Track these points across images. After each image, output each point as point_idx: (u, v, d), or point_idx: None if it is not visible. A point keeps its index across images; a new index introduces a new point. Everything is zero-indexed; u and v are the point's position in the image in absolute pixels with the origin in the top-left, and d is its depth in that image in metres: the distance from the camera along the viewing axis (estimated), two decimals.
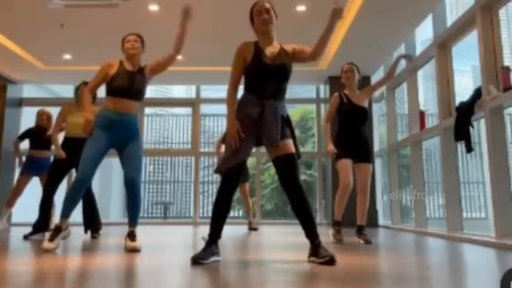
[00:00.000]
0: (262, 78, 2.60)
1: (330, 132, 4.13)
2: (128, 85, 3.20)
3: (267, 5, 2.68)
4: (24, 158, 5.35)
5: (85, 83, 4.43)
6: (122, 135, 3.21)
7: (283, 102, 2.67)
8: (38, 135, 5.21)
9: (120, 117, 3.19)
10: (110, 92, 3.22)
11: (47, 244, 3.09)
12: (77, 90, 4.50)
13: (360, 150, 4.02)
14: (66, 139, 4.37)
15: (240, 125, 2.55)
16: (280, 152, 2.58)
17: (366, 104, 4.12)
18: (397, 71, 4.32)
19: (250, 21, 2.74)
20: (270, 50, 2.66)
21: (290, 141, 2.62)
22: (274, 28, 2.70)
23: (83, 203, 4.34)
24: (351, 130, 4.05)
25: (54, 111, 4.73)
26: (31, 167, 5.19)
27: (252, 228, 6.05)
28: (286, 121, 2.65)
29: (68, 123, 4.37)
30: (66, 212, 3.20)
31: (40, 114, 5.30)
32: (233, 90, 2.65)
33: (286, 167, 2.57)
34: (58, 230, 3.15)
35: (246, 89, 2.65)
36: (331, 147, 4.00)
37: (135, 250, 3.11)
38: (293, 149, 2.61)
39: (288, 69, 2.66)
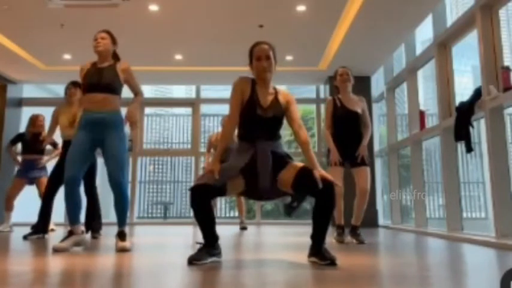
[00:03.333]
0: (253, 128, 2.57)
1: (331, 139, 4.01)
2: (96, 80, 3.22)
3: (268, 51, 2.60)
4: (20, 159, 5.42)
5: (73, 83, 4.47)
6: (100, 134, 3.21)
7: (278, 142, 2.62)
8: (33, 140, 5.25)
9: (95, 115, 3.20)
10: (83, 90, 3.31)
11: (57, 244, 3.11)
12: (66, 90, 4.56)
13: (355, 153, 3.97)
14: (64, 142, 4.39)
15: (226, 166, 2.50)
16: (292, 175, 2.48)
17: (359, 110, 4.04)
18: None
19: (249, 61, 2.67)
20: (264, 98, 2.59)
21: (294, 163, 2.55)
22: (273, 74, 2.63)
23: (87, 203, 4.37)
24: (345, 135, 4.00)
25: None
26: (26, 172, 5.23)
27: (242, 228, 6.10)
28: (286, 155, 2.60)
29: (60, 124, 4.41)
30: (71, 217, 3.22)
31: (39, 120, 5.34)
32: (229, 127, 2.62)
33: (307, 177, 2.44)
34: (70, 233, 3.21)
35: (239, 135, 2.63)
36: (335, 156, 3.93)
37: (124, 250, 3.09)
38: (300, 164, 2.54)
39: (280, 120, 2.62)
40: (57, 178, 4.27)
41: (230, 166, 2.50)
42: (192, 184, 2.55)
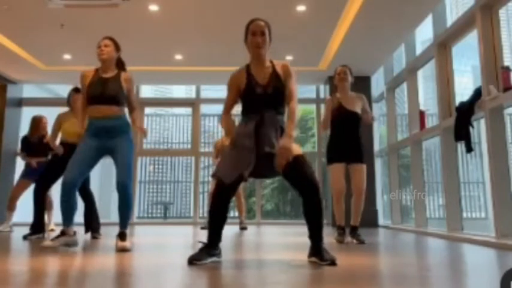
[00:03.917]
0: (257, 107, 2.57)
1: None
2: (100, 92, 3.21)
3: (263, 27, 2.60)
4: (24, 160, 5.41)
5: (75, 90, 4.47)
6: (108, 140, 3.22)
7: (283, 116, 2.62)
8: (37, 143, 5.25)
9: (101, 122, 3.21)
10: (87, 100, 3.28)
11: (46, 242, 3.18)
12: (69, 97, 4.55)
13: (352, 151, 3.98)
14: (62, 144, 4.38)
15: (238, 139, 2.53)
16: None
17: (358, 109, 4.03)
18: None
19: (244, 37, 2.67)
20: (262, 76, 2.60)
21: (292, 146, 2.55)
22: (267, 50, 2.63)
23: (84, 204, 4.40)
24: (342, 133, 4.01)
25: (54, 112, 4.72)
26: (31, 173, 5.22)
27: (242, 228, 6.10)
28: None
29: (63, 130, 4.42)
30: (64, 218, 3.25)
31: (43, 122, 5.33)
32: (226, 117, 2.68)
33: (296, 169, 2.47)
34: (62, 233, 3.27)
35: (243, 113, 2.64)
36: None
37: (124, 250, 3.10)
38: (297, 151, 2.52)
39: (282, 93, 2.60)
40: (49, 175, 4.31)
41: (244, 154, 2.47)
42: (219, 175, 2.49)
